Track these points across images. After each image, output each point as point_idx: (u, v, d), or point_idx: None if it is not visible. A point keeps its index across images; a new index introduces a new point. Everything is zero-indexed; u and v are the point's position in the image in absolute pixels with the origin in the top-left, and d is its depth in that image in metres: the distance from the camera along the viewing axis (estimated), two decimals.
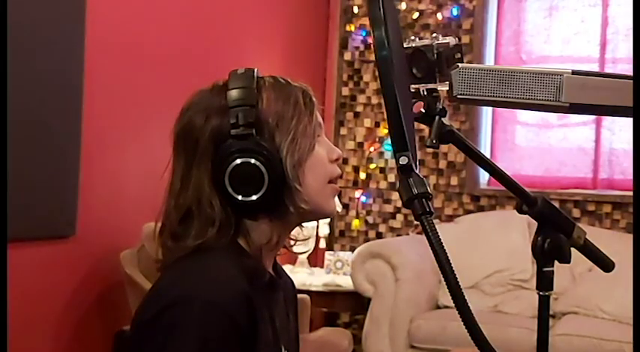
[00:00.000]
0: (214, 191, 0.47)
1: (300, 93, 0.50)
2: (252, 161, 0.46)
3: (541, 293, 0.47)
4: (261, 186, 0.46)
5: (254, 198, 0.46)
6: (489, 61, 2.00)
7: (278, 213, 0.48)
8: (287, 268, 1.88)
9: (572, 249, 0.47)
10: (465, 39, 1.98)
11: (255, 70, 0.50)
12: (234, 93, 0.48)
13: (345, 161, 2.13)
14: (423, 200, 0.31)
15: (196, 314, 0.42)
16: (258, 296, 0.45)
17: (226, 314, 0.42)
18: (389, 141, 1.66)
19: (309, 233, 2.14)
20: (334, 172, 0.51)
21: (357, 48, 2.13)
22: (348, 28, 2.13)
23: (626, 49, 1.89)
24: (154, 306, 0.43)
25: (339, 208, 0.55)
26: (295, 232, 0.52)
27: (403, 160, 0.31)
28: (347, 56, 2.13)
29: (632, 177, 1.83)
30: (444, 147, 0.91)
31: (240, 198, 0.46)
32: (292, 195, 0.47)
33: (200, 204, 0.47)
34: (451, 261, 0.31)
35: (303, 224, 0.52)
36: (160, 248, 0.48)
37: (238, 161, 0.46)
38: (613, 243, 1.14)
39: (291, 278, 0.56)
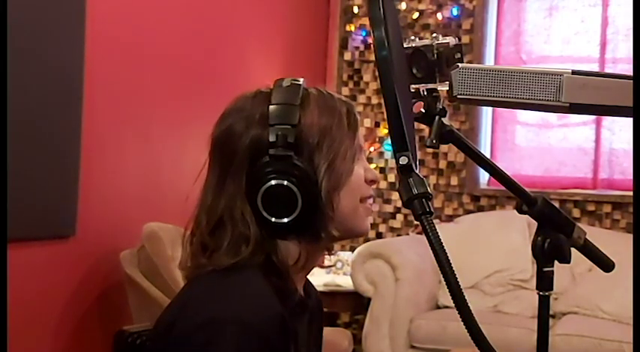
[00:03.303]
0: (248, 207, 0.46)
1: (345, 110, 0.49)
2: (286, 183, 0.45)
3: (541, 293, 0.47)
4: (294, 209, 0.45)
5: (285, 220, 0.46)
6: (489, 61, 2.00)
7: (309, 235, 0.47)
8: None
9: (572, 249, 0.47)
10: (465, 39, 1.98)
11: (302, 83, 0.49)
12: (275, 110, 0.47)
13: None
14: (423, 200, 0.31)
15: (233, 334, 0.41)
16: (290, 318, 0.45)
17: (262, 336, 0.42)
18: (389, 141, 1.66)
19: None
20: (367, 192, 0.50)
21: (357, 48, 2.13)
22: (348, 28, 2.13)
23: (626, 49, 1.89)
24: (189, 322, 0.42)
25: (369, 225, 0.52)
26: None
27: (403, 160, 0.31)
28: (347, 56, 2.13)
29: (632, 177, 1.83)
30: (443, 147, 0.91)
31: (272, 219, 0.46)
32: (324, 220, 0.47)
33: (232, 217, 0.46)
34: (451, 261, 0.31)
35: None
36: (188, 256, 0.47)
37: (273, 182, 0.45)
38: (613, 243, 1.13)
39: (318, 298, 0.55)
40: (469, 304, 0.30)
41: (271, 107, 0.47)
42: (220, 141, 0.48)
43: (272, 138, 0.46)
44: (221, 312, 0.42)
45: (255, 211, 0.46)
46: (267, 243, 0.47)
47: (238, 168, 0.47)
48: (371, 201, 0.50)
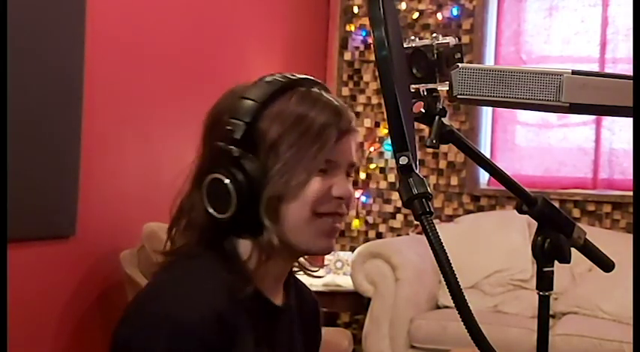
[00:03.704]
0: (199, 198, 0.46)
1: (322, 122, 0.46)
2: (225, 181, 0.44)
3: (541, 293, 0.47)
4: (229, 207, 0.44)
5: (223, 216, 0.45)
6: (489, 61, 2.00)
7: (260, 237, 0.46)
8: None
9: (572, 249, 0.47)
10: (465, 39, 1.98)
11: (282, 80, 0.47)
12: (235, 104, 0.46)
13: None
14: (423, 200, 0.31)
15: (167, 336, 0.41)
16: (238, 315, 0.44)
17: (196, 336, 0.41)
18: (389, 141, 1.66)
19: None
20: (326, 208, 0.46)
21: (357, 48, 2.13)
22: (348, 28, 2.13)
23: (626, 49, 1.89)
24: (131, 324, 0.44)
25: (330, 245, 0.46)
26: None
27: (403, 160, 0.31)
28: (347, 56, 2.13)
29: (631, 177, 1.83)
30: (443, 147, 0.91)
31: (211, 211, 0.45)
32: (263, 226, 0.45)
33: (188, 206, 0.47)
34: (451, 261, 0.31)
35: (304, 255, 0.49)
36: (164, 244, 0.48)
37: (213, 176, 0.45)
38: (613, 243, 1.13)
39: (313, 301, 0.54)
40: (469, 304, 0.30)
41: (239, 100, 0.46)
42: (202, 133, 0.49)
43: (228, 132, 0.45)
44: (155, 313, 0.43)
45: (203, 203, 0.46)
46: (217, 235, 0.46)
47: (205, 159, 0.47)
48: (335, 221, 0.47)
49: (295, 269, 0.52)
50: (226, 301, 0.44)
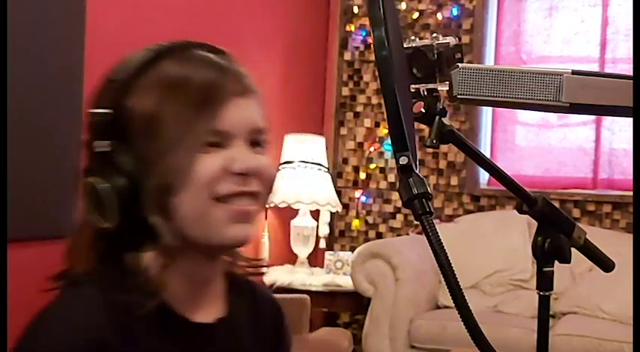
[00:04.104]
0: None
1: (206, 81, 0.37)
2: (99, 185, 0.37)
3: (541, 293, 0.47)
4: (112, 215, 0.37)
5: (108, 226, 0.37)
6: (489, 61, 2.00)
7: (157, 242, 0.38)
8: (287, 268, 1.89)
9: (573, 249, 0.47)
10: (465, 39, 1.98)
11: (153, 49, 0.38)
12: (100, 90, 0.38)
13: (345, 161, 2.13)
14: (423, 200, 0.31)
15: None
16: (131, 338, 0.37)
17: None
18: (389, 141, 1.66)
19: (308, 233, 2.05)
20: (226, 189, 0.37)
21: (357, 48, 2.12)
22: (348, 28, 2.12)
23: (626, 49, 1.89)
24: None
25: (243, 232, 0.38)
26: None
27: (403, 160, 0.31)
28: (347, 56, 2.13)
29: (631, 177, 1.83)
30: (444, 147, 0.91)
31: (97, 223, 0.38)
32: (157, 227, 0.37)
33: (82, 220, 0.39)
34: (451, 261, 0.31)
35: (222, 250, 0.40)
36: None
37: (87, 180, 0.38)
38: (613, 242, 1.14)
39: (274, 309, 0.44)
40: (469, 304, 0.30)
41: (100, 86, 0.38)
42: None
43: (88, 127, 0.38)
44: (27, 348, 0.38)
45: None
46: (113, 249, 0.38)
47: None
48: (245, 203, 0.38)
49: (250, 270, 0.43)
50: (111, 324, 0.37)
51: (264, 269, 0.45)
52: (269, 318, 0.45)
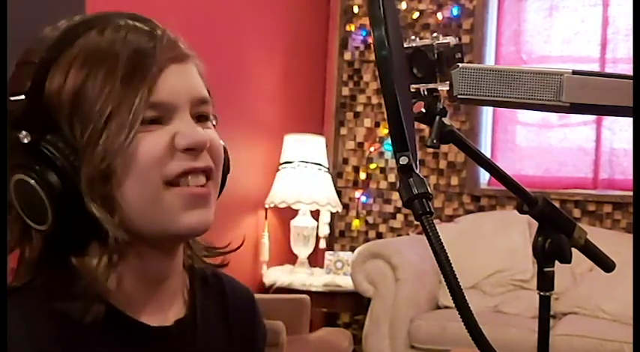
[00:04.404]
0: (9, 209, 0.34)
1: (134, 48, 0.32)
2: (29, 181, 0.32)
3: (542, 293, 0.47)
4: (46, 214, 0.32)
5: (44, 227, 0.33)
6: (490, 61, 2.00)
7: (103, 239, 0.33)
8: (287, 268, 1.88)
9: (573, 249, 0.47)
10: (466, 39, 1.98)
11: (71, 23, 0.33)
12: (15, 75, 0.33)
13: (346, 161, 2.13)
14: (423, 200, 0.30)
15: None
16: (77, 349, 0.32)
17: None
18: (389, 141, 1.65)
19: (309, 233, 2.03)
20: (175, 169, 0.33)
21: (357, 48, 2.12)
22: (348, 27, 2.12)
23: (627, 48, 1.89)
24: None
25: (200, 218, 0.33)
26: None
27: (403, 160, 0.30)
28: (347, 56, 2.13)
29: (632, 177, 1.83)
30: (444, 147, 0.91)
31: (31, 224, 0.33)
32: (102, 221, 0.32)
33: (14, 221, 0.34)
34: (451, 261, 0.31)
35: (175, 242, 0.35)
36: None
37: (15, 178, 0.33)
38: (613, 242, 1.14)
39: (247, 306, 0.39)
40: (469, 304, 0.29)
41: (15, 71, 0.34)
42: None
43: (9, 118, 0.33)
44: None
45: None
46: (53, 252, 0.34)
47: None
48: (196, 182, 0.33)
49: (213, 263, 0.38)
50: (55, 336, 0.32)
51: (227, 258, 0.38)
52: (240, 313, 0.40)
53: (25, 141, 0.33)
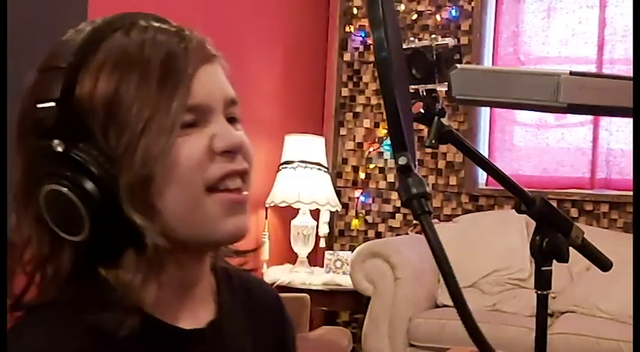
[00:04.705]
0: (36, 221, 0.32)
1: (162, 56, 0.31)
2: (62, 190, 0.31)
3: (539, 292, 0.47)
4: (83, 224, 0.31)
5: (78, 238, 0.32)
6: (488, 62, 2.00)
7: (141, 248, 0.32)
8: (287, 267, 1.89)
9: (570, 248, 0.48)
10: (464, 40, 1.98)
11: (93, 26, 0.32)
12: (40, 81, 0.32)
13: (345, 161, 2.13)
14: (422, 200, 0.30)
15: None
16: None
17: None
18: (388, 141, 1.66)
19: (308, 232, 2.03)
20: (217, 172, 0.32)
21: (356, 49, 2.13)
22: (347, 29, 2.12)
23: (624, 50, 1.89)
24: None
25: (241, 224, 0.33)
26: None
27: (402, 160, 0.30)
28: (346, 57, 2.13)
29: (629, 177, 1.83)
30: (442, 147, 0.91)
31: (65, 236, 0.32)
32: (143, 228, 0.31)
33: (28, 239, 0.33)
34: (450, 261, 0.31)
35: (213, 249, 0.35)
36: None
37: (47, 188, 0.32)
38: (610, 242, 1.14)
39: (274, 303, 0.39)
40: (468, 303, 0.30)
41: (38, 78, 0.33)
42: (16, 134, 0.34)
43: (33, 127, 0.32)
44: None
45: (46, 227, 0.32)
46: (84, 264, 0.33)
47: (26, 164, 0.33)
48: (234, 182, 0.33)
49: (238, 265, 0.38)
50: (93, 349, 0.32)
51: (254, 260, 0.38)
52: (268, 311, 0.40)
53: (59, 149, 0.32)
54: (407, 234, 1.98)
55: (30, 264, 0.33)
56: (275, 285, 1.74)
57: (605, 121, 1.92)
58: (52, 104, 0.32)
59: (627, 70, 1.86)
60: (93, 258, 0.34)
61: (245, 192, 0.34)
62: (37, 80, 0.34)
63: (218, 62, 0.35)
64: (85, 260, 0.34)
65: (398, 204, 2.01)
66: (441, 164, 2.04)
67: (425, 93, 0.46)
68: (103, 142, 0.32)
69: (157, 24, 0.34)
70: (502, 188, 0.47)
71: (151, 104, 0.32)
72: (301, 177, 1.82)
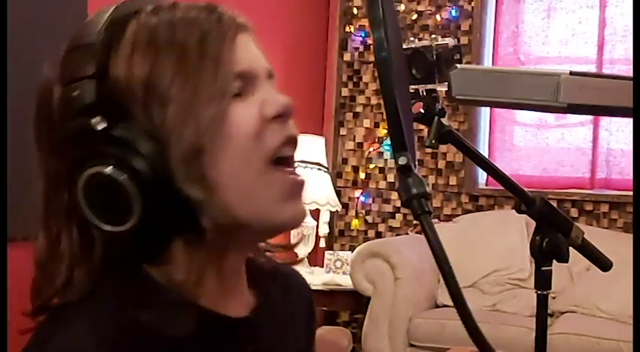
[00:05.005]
0: (69, 217, 0.29)
1: (202, 23, 0.31)
2: (106, 171, 0.28)
3: (539, 292, 0.47)
4: (132, 208, 0.28)
5: (126, 227, 0.28)
6: (488, 62, 2.00)
7: (192, 235, 0.30)
8: None
9: (570, 248, 0.48)
10: (464, 40, 1.98)
11: (117, 6, 0.30)
12: (66, 59, 0.30)
13: (345, 161, 2.13)
14: (422, 200, 0.30)
15: None
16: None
17: None
18: (388, 141, 1.66)
19: (307, 232, 2.02)
20: (275, 139, 0.31)
21: (356, 49, 2.12)
22: (347, 29, 2.12)
23: (624, 50, 1.89)
24: None
25: (300, 209, 0.31)
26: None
27: (402, 160, 0.30)
28: (346, 57, 2.13)
29: (629, 177, 1.83)
30: (442, 147, 0.91)
31: (108, 227, 0.29)
32: (199, 210, 0.29)
33: (57, 237, 0.30)
34: (450, 261, 0.31)
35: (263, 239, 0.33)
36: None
37: (87, 173, 0.28)
38: (610, 242, 1.14)
39: (304, 289, 0.38)
40: (468, 303, 0.29)
41: (65, 59, 0.30)
42: (33, 125, 0.31)
43: (66, 106, 0.29)
44: None
45: (82, 222, 0.29)
46: (121, 260, 0.30)
47: (52, 156, 0.30)
48: (288, 151, 0.31)
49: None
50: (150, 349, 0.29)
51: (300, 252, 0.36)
52: (300, 297, 0.39)
53: (99, 127, 0.29)
54: (407, 234, 1.98)
55: (61, 264, 0.30)
56: None
57: (605, 121, 1.92)
58: (87, 79, 0.29)
59: (627, 70, 1.86)
60: (136, 252, 0.30)
61: (301, 177, 0.32)
62: (63, 60, 0.31)
63: (249, 33, 0.34)
64: (126, 255, 0.30)
65: (398, 204, 2.01)
66: (441, 164, 2.04)
67: (425, 93, 0.46)
68: (145, 120, 0.30)
69: (182, 1, 0.32)
70: (502, 188, 0.47)
71: (196, 76, 0.30)
72: None
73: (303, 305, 0.40)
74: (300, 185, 0.33)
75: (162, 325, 0.30)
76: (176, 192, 0.29)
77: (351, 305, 1.84)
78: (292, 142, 0.33)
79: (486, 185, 2.00)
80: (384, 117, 0.43)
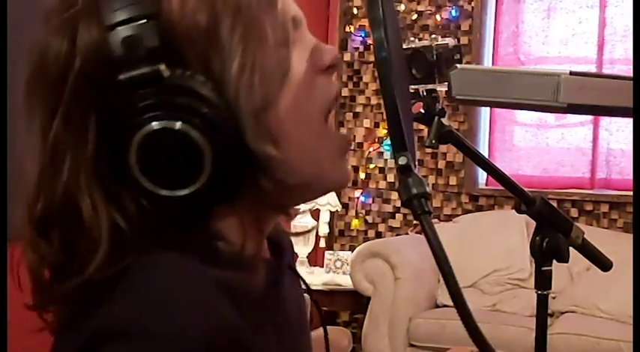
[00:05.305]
0: (104, 182, 0.25)
1: None
2: (176, 126, 0.24)
3: (539, 292, 0.47)
4: (202, 164, 0.25)
5: (194, 188, 0.25)
6: (488, 62, 2.00)
7: (247, 198, 0.27)
8: None
9: (570, 248, 0.48)
10: (464, 40, 1.98)
11: None
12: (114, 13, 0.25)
13: None
14: (422, 200, 0.30)
15: None
16: (250, 323, 0.26)
17: None
18: (388, 141, 1.66)
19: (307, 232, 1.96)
20: (331, 93, 0.29)
21: (356, 49, 2.13)
22: (347, 29, 2.13)
23: (624, 50, 1.90)
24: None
25: (348, 169, 0.31)
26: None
27: (402, 160, 0.29)
28: (346, 57, 2.13)
29: (629, 177, 1.83)
30: (442, 147, 0.91)
31: (165, 193, 0.25)
32: (265, 167, 0.26)
33: (75, 204, 0.26)
34: (450, 261, 0.31)
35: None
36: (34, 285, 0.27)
37: (148, 129, 0.24)
38: (610, 242, 1.15)
39: (290, 244, 0.36)
40: (468, 303, 0.29)
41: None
42: (34, 71, 0.28)
43: (119, 52, 0.24)
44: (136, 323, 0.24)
45: (131, 186, 0.25)
46: (183, 222, 0.26)
47: (75, 113, 0.25)
48: (334, 106, 0.29)
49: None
50: (233, 309, 0.26)
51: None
52: (290, 255, 0.37)
53: (166, 74, 0.25)
54: (407, 234, 1.98)
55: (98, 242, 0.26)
56: None
57: (605, 121, 1.92)
58: (146, 21, 0.25)
59: (627, 70, 1.86)
60: (194, 213, 0.26)
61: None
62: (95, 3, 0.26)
63: None
64: (185, 217, 0.26)
65: (398, 204, 2.02)
66: (441, 164, 2.04)
67: (425, 93, 0.46)
68: (205, 70, 0.26)
69: None
70: (502, 188, 0.47)
71: (258, 21, 0.27)
72: None
73: (290, 257, 0.38)
74: (349, 141, 0.33)
75: (244, 287, 0.28)
76: (245, 149, 0.26)
77: (351, 305, 1.85)
78: (337, 98, 0.31)
79: (486, 185, 2.00)
80: (384, 117, 0.43)
